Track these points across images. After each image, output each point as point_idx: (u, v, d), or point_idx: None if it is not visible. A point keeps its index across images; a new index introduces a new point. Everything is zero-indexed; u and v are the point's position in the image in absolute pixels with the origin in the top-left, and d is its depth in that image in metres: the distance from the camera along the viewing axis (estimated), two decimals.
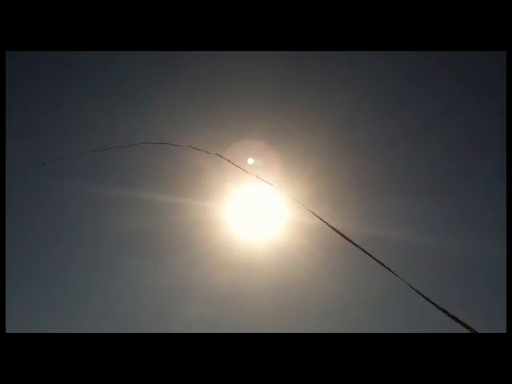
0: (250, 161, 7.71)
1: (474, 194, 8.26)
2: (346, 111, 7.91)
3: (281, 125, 7.97)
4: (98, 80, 8.30)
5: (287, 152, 7.88)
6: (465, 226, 8.32)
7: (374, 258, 2.13)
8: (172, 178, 8.13)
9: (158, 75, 8.17)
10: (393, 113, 8.17)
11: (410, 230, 8.03)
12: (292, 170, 7.67)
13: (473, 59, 7.35)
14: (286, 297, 8.57)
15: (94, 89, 8.33)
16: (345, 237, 2.30)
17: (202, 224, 8.22)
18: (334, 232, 2.35)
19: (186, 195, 8.20)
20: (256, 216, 6.38)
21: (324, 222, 2.42)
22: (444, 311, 1.95)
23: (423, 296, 1.99)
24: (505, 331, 2.25)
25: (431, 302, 1.98)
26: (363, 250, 2.19)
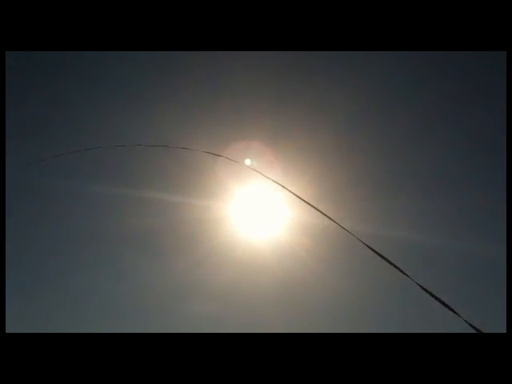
0: (248, 161, 7.71)
1: (475, 194, 8.27)
2: (347, 111, 7.92)
3: (283, 125, 7.98)
4: (100, 80, 8.32)
5: (290, 152, 7.89)
6: (466, 225, 8.32)
7: (379, 254, 2.12)
8: (176, 178, 8.15)
9: (160, 76, 8.20)
10: (393, 113, 8.18)
11: (411, 229, 8.04)
12: (295, 171, 7.67)
13: (473, 59, 7.36)
14: (289, 296, 8.58)
15: (97, 89, 8.36)
16: (352, 234, 2.28)
17: (205, 223, 8.24)
18: (340, 229, 2.34)
19: (190, 194, 8.21)
20: (259, 215, 6.38)
21: (330, 218, 2.39)
22: (450, 309, 1.94)
23: (429, 292, 1.98)
24: (505, 331, 2.25)
25: (438, 300, 1.97)
26: (370, 248, 2.18)
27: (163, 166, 8.04)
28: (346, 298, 8.34)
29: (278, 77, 7.72)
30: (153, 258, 8.90)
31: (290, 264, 8.19)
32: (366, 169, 8.17)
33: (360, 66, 7.63)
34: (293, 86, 7.96)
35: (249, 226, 7.83)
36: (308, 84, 7.95)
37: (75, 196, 8.86)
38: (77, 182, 8.46)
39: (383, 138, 8.30)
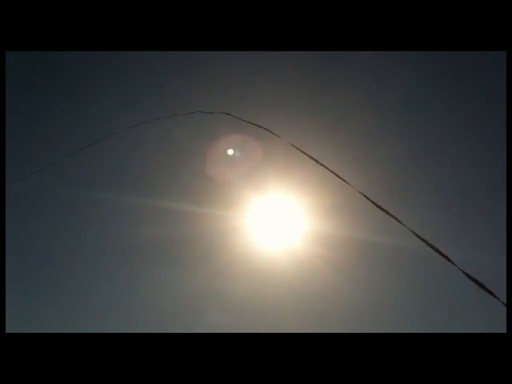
0: (230, 151, 7.69)
1: (474, 199, 8.27)
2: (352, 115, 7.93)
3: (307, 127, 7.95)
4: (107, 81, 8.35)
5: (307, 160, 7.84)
6: (467, 224, 8.32)
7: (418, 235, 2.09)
8: (194, 188, 8.15)
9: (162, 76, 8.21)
10: (393, 113, 8.17)
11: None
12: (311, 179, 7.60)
13: (473, 59, 7.36)
14: (306, 306, 8.54)
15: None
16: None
17: (222, 233, 8.23)
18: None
19: (207, 205, 8.20)
20: (276, 225, 6.32)
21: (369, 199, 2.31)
22: (474, 280, 1.94)
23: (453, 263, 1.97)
24: (505, 331, 2.25)
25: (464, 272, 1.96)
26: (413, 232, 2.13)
27: (180, 175, 8.08)
28: (363, 308, 8.31)
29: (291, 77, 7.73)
30: (170, 268, 8.92)
31: (307, 274, 8.15)
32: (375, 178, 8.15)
33: (361, 65, 7.64)
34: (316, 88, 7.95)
35: (266, 235, 7.79)
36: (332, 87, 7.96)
37: (91, 205, 8.88)
38: (92, 191, 8.48)
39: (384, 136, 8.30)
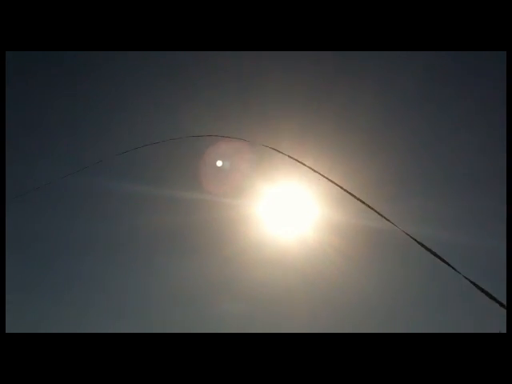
0: (219, 163, 7.76)
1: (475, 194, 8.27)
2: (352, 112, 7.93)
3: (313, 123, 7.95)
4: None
5: (317, 149, 7.82)
6: (467, 223, 8.32)
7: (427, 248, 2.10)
8: (204, 176, 8.14)
9: (162, 76, 8.21)
10: (392, 113, 8.17)
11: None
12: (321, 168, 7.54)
13: (473, 59, 7.36)
14: (318, 294, 8.52)
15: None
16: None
17: (234, 221, 8.23)
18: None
19: (218, 193, 8.20)
20: (288, 214, 6.30)
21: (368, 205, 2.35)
22: (474, 284, 1.96)
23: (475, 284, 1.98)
24: (505, 331, 2.25)
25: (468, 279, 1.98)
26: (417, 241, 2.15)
27: (192, 164, 8.07)
28: (375, 297, 8.28)
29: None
30: (182, 256, 8.94)
31: (318, 262, 8.13)
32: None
33: (361, 65, 7.64)
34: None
35: (277, 224, 7.73)
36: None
37: (101, 195, 8.90)
38: (105, 181, 8.47)
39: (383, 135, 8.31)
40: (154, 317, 9.06)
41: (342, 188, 2.49)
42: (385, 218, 2.26)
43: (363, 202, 2.35)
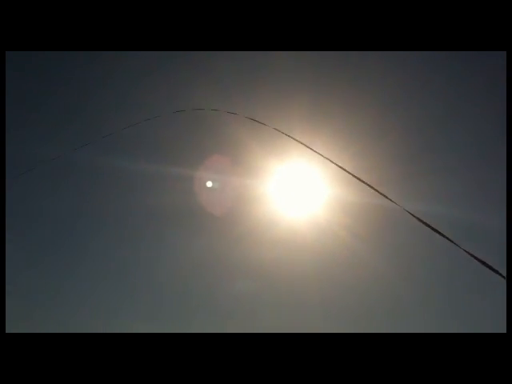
0: (209, 184, 7.82)
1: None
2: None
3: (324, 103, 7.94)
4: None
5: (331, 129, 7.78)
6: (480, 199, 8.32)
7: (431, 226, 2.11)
8: (216, 156, 8.10)
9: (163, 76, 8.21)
10: (392, 113, 8.18)
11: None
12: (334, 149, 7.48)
13: (473, 59, 7.35)
14: (328, 274, 8.46)
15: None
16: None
17: (246, 201, 8.21)
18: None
19: (229, 173, 8.16)
20: (299, 193, 6.27)
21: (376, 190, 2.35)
22: (474, 257, 1.97)
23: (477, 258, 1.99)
24: (505, 331, 2.25)
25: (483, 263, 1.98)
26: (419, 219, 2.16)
27: (202, 143, 8.04)
28: (387, 278, 8.17)
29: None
30: (192, 236, 8.92)
31: (329, 242, 8.08)
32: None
33: (362, 65, 7.65)
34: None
35: (288, 203, 7.70)
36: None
37: (112, 174, 8.86)
38: (116, 159, 8.43)
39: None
40: (166, 297, 9.07)
41: (346, 171, 2.51)
42: (386, 197, 2.27)
43: (365, 183, 2.36)
